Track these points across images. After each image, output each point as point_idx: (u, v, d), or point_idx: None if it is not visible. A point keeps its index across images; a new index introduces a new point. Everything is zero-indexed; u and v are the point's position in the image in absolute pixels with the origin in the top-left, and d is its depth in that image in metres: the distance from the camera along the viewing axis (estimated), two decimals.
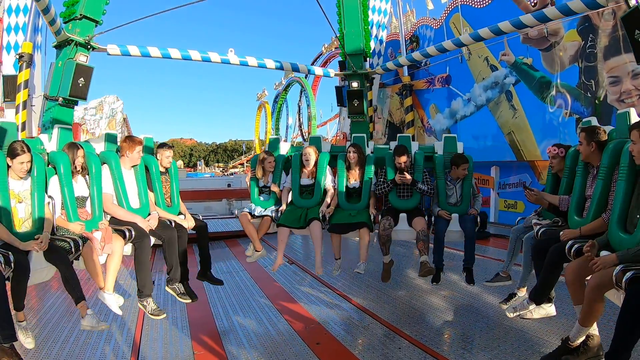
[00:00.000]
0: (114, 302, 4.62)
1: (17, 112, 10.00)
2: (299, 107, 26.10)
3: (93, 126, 37.59)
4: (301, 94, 24.90)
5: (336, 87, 17.68)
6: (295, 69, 7.09)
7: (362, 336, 4.93)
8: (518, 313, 4.24)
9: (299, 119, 26.17)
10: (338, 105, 18.07)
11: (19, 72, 9.89)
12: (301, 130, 25.24)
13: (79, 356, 4.61)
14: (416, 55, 6.86)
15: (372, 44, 15.42)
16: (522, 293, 4.77)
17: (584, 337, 3.46)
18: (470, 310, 5.52)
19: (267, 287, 7.06)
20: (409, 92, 13.76)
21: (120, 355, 4.65)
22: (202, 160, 76.41)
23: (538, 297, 4.04)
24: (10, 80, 10.95)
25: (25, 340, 3.99)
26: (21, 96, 9.80)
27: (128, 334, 5.24)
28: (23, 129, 9.69)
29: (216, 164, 71.50)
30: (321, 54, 21.80)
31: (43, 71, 11.85)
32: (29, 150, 4.09)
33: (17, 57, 10.36)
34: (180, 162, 44.83)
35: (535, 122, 10.11)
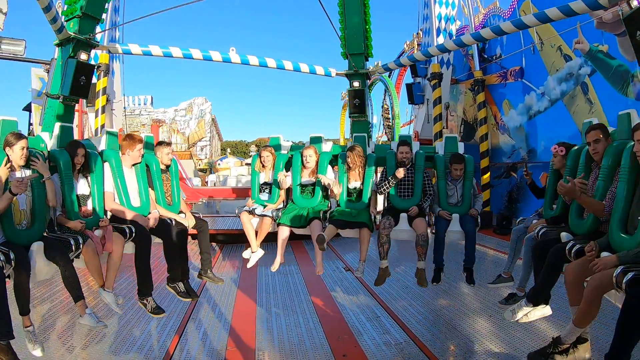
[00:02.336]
0: (113, 300, 4.62)
1: (96, 116, 11.03)
2: (383, 106, 25.38)
3: (183, 127, 38.55)
4: (385, 92, 24.31)
5: (407, 85, 16.81)
6: (296, 68, 7.06)
7: (391, 354, 4.88)
8: (517, 318, 4.20)
9: (384, 118, 25.45)
10: (409, 103, 17.58)
11: (98, 80, 10.77)
12: (386, 130, 24.83)
13: (125, 338, 4.96)
14: (418, 55, 6.86)
15: (439, 39, 14.68)
16: (522, 293, 4.77)
17: (575, 339, 3.48)
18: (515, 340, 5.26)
19: (315, 292, 7.08)
20: (481, 87, 12.87)
21: (162, 342, 4.98)
22: None
23: (536, 298, 4.03)
24: (91, 88, 11.56)
25: (33, 348, 3.87)
26: (100, 102, 10.73)
27: (174, 322, 5.50)
28: (102, 131, 10.54)
29: None
30: (403, 52, 20.86)
31: (122, 78, 13.47)
32: (26, 137, 4.11)
33: (96, 67, 11.15)
34: None
35: (614, 117, 8.76)
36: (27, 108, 13.78)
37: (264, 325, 5.56)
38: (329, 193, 6.13)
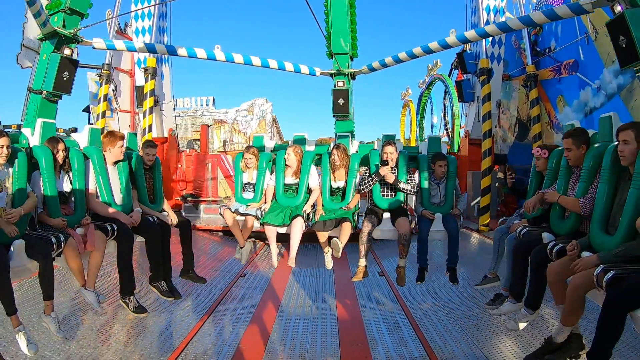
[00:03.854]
0: (95, 299, 4.56)
1: (144, 117, 11.63)
2: (444, 105, 24.35)
3: (244, 126, 39.79)
4: (445, 92, 23.49)
5: (456, 82, 15.80)
6: (281, 67, 7.07)
7: None
8: (522, 327, 4.17)
9: (444, 118, 24.54)
10: (460, 101, 16.85)
11: (145, 83, 11.38)
12: (447, 130, 23.85)
13: (141, 330, 5.02)
14: (402, 55, 6.85)
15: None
16: (508, 293, 4.80)
17: (566, 337, 3.51)
18: None
19: (343, 296, 6.86)
20: (533, 83, 11.73)
21: (177, 336, 5.00)
22: None
23: (533, 302, 4.03)
24: (140, 90, 12.61)
25: (27, 347, 3.76)
26: (147, 103, 11.23)
27: (196, 316, 5.55)
28: (149, 130, 11.23)
29: None
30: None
31: (172, 82, 14.13)
32: (7, 135, 3.99)
33: (143, 70, 12.06)
34: None
35: None
36: (86, 109, 15.01)
37: (281, 326, 5.50)
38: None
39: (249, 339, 5.05)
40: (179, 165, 14.24)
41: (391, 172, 5.76)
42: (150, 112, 11.63)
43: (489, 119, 12.16)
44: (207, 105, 40.35)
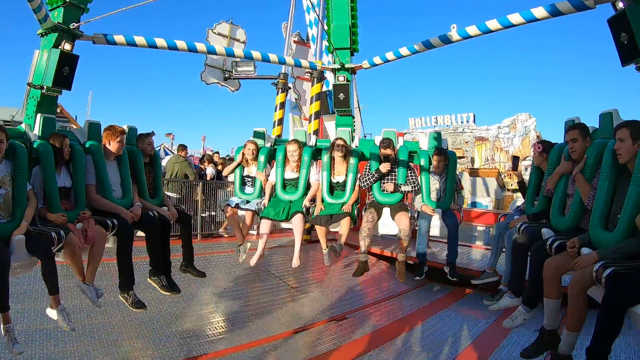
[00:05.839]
0: (93, 294, 4.56)
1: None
2: None
3: (507, 144, 38.19)
4: None
5: None
6: (282, 61, 7.01)
7: None
8: (520, 323, 4.18)
9: None
10: None
11: (311, 87, 11.52)
12: None
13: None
14: (403, 51, 6.79)
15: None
16: (507, 288, 4.81)
17: (575, 344, 3.43)
18: None
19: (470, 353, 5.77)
20: None
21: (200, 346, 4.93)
22: None
23: (532, 300, 4.04)
24: (323, 97, 12.72)
25: (13, 348, 3.75)
26: (313, 108, 11.41)
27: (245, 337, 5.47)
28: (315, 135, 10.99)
29: None
30: None
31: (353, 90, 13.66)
32: (4, 131, 3.95)
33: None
34: None
35: None
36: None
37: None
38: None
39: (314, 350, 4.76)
40: None
41: (391, 169, 5.78)
42: (316, 117, 11.46)
43: None
44: (467, 122, 39.93)
